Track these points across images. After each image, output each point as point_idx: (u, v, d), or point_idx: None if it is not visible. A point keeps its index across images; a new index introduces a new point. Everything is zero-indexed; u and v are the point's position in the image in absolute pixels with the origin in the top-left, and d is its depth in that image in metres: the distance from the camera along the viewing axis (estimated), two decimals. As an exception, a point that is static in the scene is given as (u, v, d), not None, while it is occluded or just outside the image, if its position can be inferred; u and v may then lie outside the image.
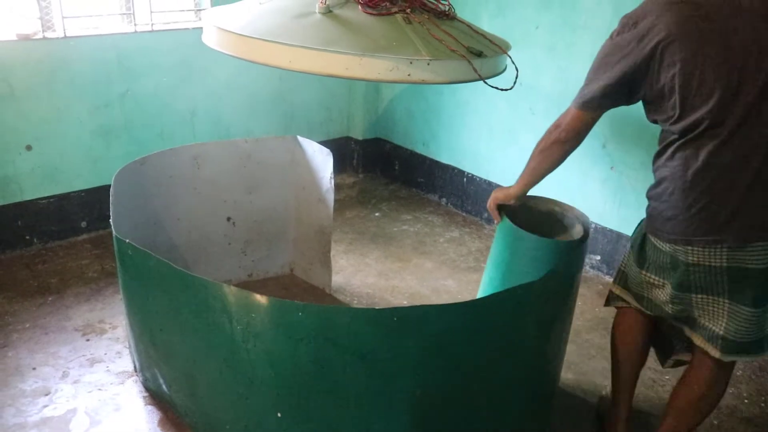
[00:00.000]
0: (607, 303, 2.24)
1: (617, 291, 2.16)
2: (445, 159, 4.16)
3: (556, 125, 1.98)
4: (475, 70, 2.09)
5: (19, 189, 3.31)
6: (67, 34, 3.25)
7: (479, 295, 2.51)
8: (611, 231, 3.30)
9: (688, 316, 1.94)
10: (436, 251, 3.60)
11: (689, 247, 1.79)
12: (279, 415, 1.92)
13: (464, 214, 4.08)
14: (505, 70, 2.37)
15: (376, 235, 3.76)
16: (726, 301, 1.83)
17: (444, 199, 4.22)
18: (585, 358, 2.75)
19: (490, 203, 2.31)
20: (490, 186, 3.87)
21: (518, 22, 3.50)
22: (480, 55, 2.13)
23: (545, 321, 2.07)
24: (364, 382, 1.85)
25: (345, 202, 4.16)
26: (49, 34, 3.22)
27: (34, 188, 3.36)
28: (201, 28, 2.33)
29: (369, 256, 3.51)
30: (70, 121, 3.36)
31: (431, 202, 4.24)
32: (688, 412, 2.04)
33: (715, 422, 2.42)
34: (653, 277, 1.97)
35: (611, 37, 1.81)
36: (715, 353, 1.89)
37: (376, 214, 4.04)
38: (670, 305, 1.94)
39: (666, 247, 1.86)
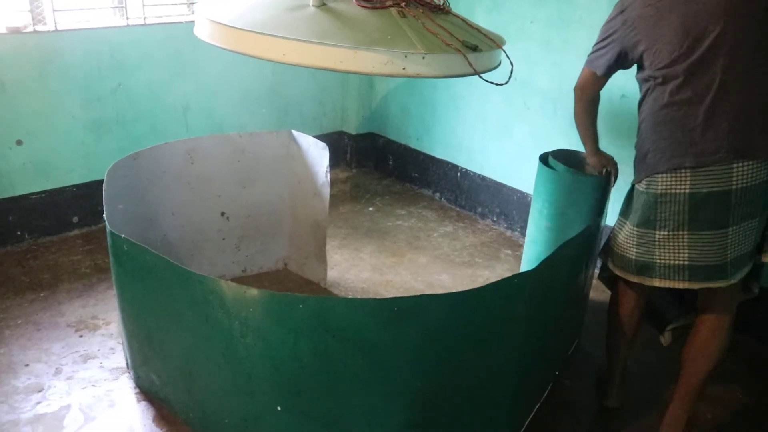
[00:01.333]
0: (601, 271, 2.40)
1: (603, 258, 2.32)
2: (439, 154, 4.15)
3: (576, 86, 2.31)
4: (470, 65, 2.08)
5: (10, 184, 3.28)
6: (59, 28, 3.22)
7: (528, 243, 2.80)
8: (607, 226, 3.29)
9: (648, 261, 2.10)
10: (430, 246, 3.60)
11: (658, 176, 2.02)
12: (279, 408, 1.92)
13: (458, 208, 4.07)
14: (500, 64, 2.36)
15: (370, 230, 3.75)
16: (685, 233, 2.02)
17: (438, 194, 4.21)
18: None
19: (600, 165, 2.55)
20: (484, 181, 3.87)
21: (513, 16, 3.49)
22: (475, 49, 2.12)
23: (544, 308, 2.08)
24: (364, 374, 1.85)
25: (338, 197, 4.15)
26: (40, 28, 3.19)
27: (25, 183, 3.33)
28: (193, 21, 2.32)
29: (363, 250, 3.50)
30: (61, 115, 3.33)
31: (425, 196, 4.24)
32: (697, 360, 2.19)
33: (709, 416, 2.44)
34: (627, 223, 2.16)
35: (609, 17, 2.14)
36: (682, 285, 2.06)
37: (370, 209, 4.03)
38: (634, 249, 2.12)
39: (641, 185, 2.09)
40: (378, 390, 1.88)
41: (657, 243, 2.07)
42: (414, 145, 4.30)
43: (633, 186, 2.18)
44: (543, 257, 2.06)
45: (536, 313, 2.06)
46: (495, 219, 3.87)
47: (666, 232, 2.04)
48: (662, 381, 2.56)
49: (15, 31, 3.12)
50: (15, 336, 2.68)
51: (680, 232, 2.02)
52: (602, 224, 2.56)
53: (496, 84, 2.29)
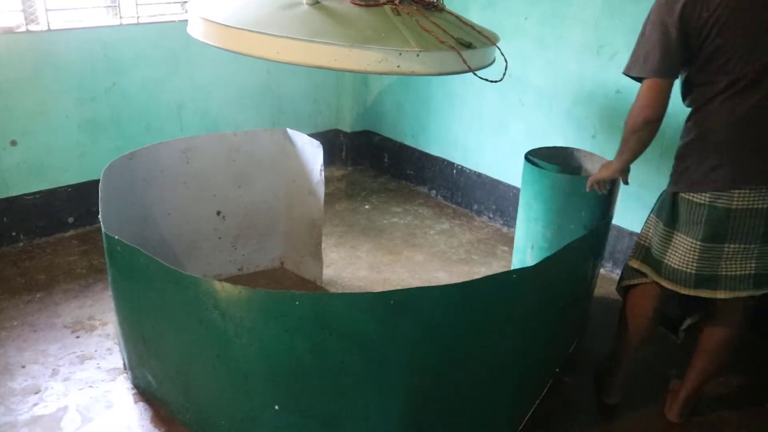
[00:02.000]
0: (621, 281, 2.31)
1: (636, 265, 2.22)
2: (434, 151, 4.15)
3: (638, 106, 2.00)
4: (465, 62, 2.08)
5: (4, 185, 3.27)
6: (51, 27, 3.21)
7: (519, 238, 2.85)
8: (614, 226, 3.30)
9: (711, 275, 2.03)
10: (427, 243, 3.60)
11: (735, 191, 1.91)
12: (276, 407, 1.91)
13: (454, 205, 4.07)
14: (494, 61, 2.36)
15: (367, 227, 3.75)
16: (756, 246, 1.97)
17: (434, 191, 4.21)
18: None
19: (595, 180, 2.39)
20: (480, 178, 3.87)
21: (507, 13, 3.49)
22: (469, 46, 2.12)
23: (544, 303, 2.08)
24: (361, 370, 1.85)
25: (334, 195, 4.15)
26: (32, 27, 3.18)
27: (19, 184, 3.32)
28: (187, 20, 2.31)
29: (359, 248, 3.50)
30: (55, 115, 3.32)
31: (421, 194, 4.24)
32: (718, 353, 2.22)
33: (707, 410, 2.44)
34: (682, 236, 2.04)
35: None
36: (747, 293, 2.03)
37: (366, 206, 4.03)
38: (695, 264, 2.02)
39: (704, 198, 1.96)
40: (375, 386, 1.88)
41: (725, 256, 2.01)
42: (409, 142, 4.30)
43: (677, 195, 2.04)
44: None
45: (536, 308, 2.06)
46: (491, 216, 3.87)
47: (737, 245, 1.98)
48: (660, 377, 2.57)
49: (8, 31, 3.11)
50: (11, 337, 2.67)
51: (752, 245, 1.97)
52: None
53: (491, 81, 2.29)
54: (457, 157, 4.02)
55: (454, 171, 4.04)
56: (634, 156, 2.13)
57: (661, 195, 2.15)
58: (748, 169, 1.92)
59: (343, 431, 1.95)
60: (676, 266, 2.08)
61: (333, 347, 1.81)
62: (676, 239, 2.07)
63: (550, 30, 3.32)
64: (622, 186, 2.61)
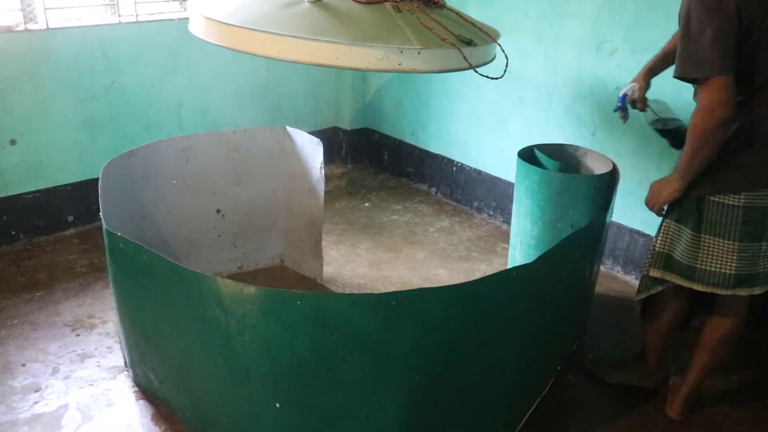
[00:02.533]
0: (640, 292, 2.26)
1: (657, 274, 2.16)
2: (434, 148, 4.15)
3: (707, 108, 1.84)
4: (466, 59, 2.08)
5: (3, 184, 3.27)
6: (50, 26, 3.20)
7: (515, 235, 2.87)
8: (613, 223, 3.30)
9: (749, 274, 2.03)
10: (427, 241, 3.60)
11: None
12: (278, 405, 1.91)
13: (454, 203, 4.08)
14: (494, 58, 2.36)
15: (366, 225, 3.75)
16: None
17: (434, 189, 4.21)
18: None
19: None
20: (480, 175, 3.88)
21: (506, 9, 3.48)
22: (470, 43, 2.12)
23: (544, 301, 2.08)
24: (362, 369, 1.85)
25: (334, 193, 4.15)
26: (31, 26, 3.17)
27: (19, 183, 3.31)
28: (186, 18, 2.31)
29: (359, 246, 3.50)
30: (54, 114, 3.31)
31: (421, 191, 4.24)
32: (721, 348, 2.24)
33: (708, 407, 2.44)
34: (715, 239, 2.01)
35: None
36: (714, 289, 2.06)
37: (366, 204, 4.03)
38: (734, 264, 2.00)
39: (738, 200, 1.94)
40: (376, 385, 1.88)
41: (763, 254, 2.01)
42: (409, 140, 4.30)
43: (703, 199, 2.00)
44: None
45: (536, 306, 2.06)
46: (491, 213, 3.88)
47: None
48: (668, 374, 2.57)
49: (6, 30, 3.10)
50: (11, 336, 2.67)
51: None
52: (608, 221, 2.57)
53: (492, 78, 2.29)
54: (457, 155, 4.02)
55: (454, 168, 4.04)
56: (706, 164, 1.95)
57: (676, 200, 2.08)
58: None
59: (343, 430, 1.95)
60: (713, 269, 2.05)
61: (334, 346, 1.81)
62: (707, 242, 2.04)
63: (549, 26, 3.32)
64: (621, 184, 2.62)
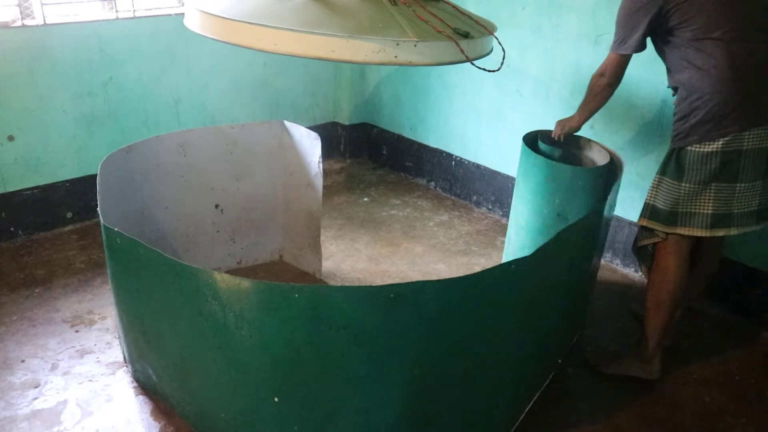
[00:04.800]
0: (636, 242, 2.46)
1: (645, 223, 2.36)
2: (432, 143, 4.14)
3: (600, 73, 2.39)
4: (462, 51, 2.07)
5: (2, 180, 3.26)
6: (47, 22, 3.19)
7: (512, 227, 3.00)
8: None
9: (725, 213, 2.23)
10: (426, 235, 3.60)
11: (745, 133, 2.12)
12: (276, 399, 1.91)
13: (453, 197, 4.07)
14: (491, 51, 2.35)
15: (365, 220, 3.75)
16: (759, 182, 2.20)
17: (432, 183, 4.21)
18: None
19: (562, 131, 2.68)
20: (479, 169, 3.87)
21: (503, 2, 3.47)
22: (467, 36, 2.11)
23: (544, 294, 2.08)
24: (361, 363, 1.85)
25: (333, 188, 4.14)
26: (28, 22, 3.16)
27: (17, 179, 3.31)
28: (183, 14, 2.30)
29: (358, 241, 3.50)
30: (52, 110, 3.31)
31: (420, 186, 4.23)
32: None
33: (707, 399, 2.45)
34: (692, 185, 2.22)
35: None
36: (752, 228, 2.27)
37: (365, 199, 4.02)
38: (711, 204, 2.21)
39: (716, 145, 2.15)
40: (375, 378, 1.88)
41: (737, 195, 2.21)
42: (407, 134, 4.29)
43: (681, 150, 2.22)
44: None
45: (535, 299, 2.06)
46: (490, 207, 3.87)
47: (746, 184, 2.19)
48: (666, 365, 2.57)
49: (3, 26, 3.09)
50: (10, 332, 2.67)
51: (757, 182, 2.20)
52: (607, 214, 2.57)
53: (489, 71, 2.28)
54: (456, 149, 4.01)
55: (453, 162, 4.03)
56: (595, 111, 2.55)
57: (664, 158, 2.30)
58: (760, 110, 2.12)
59: (342, 423, 1.95)
60: (692, 211, 2.24)
61: (332, 340, 1.81)
62: (685, 189, 2.23)
63: (546, 19, 3.31)
64: (622, 177, 2.62)
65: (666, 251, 2.36)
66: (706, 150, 2.16)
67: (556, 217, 2.71)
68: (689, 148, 2.20)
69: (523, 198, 2.85)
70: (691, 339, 2.75)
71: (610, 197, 2.45)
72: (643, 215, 2.37)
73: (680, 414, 2.37)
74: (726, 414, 2.39)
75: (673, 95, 2.29)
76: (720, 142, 2.14)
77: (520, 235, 2.91)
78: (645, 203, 2.36)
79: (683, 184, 2.23)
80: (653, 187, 2.32)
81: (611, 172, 2.66)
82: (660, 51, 2.31)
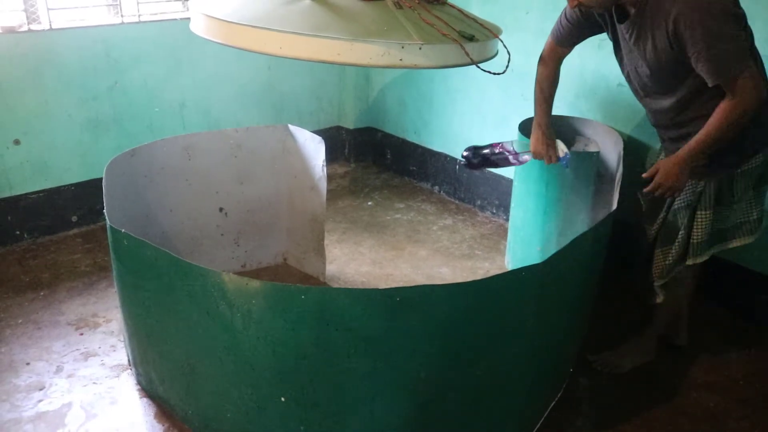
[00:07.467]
0: (663, 276, 2.42)
1: (700, 260, 2.32)
2: (437, 147, 4.15)
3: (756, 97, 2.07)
4: (467, 54, 2.08)
5: (8, 184, 3.28)
6: (53, 26, 3.21)
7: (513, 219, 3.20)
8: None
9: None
10: (430, 239, 3.60)
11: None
12: (283, 399, 1.92)
13: (457, 201, 4.07)
14: (496, 54, 2.36)
15: (369, 224, 3.75)
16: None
17: (437, 187, 4.21)
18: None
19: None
20: (482, 173, 3.87)
21: (508, 6, 3.48)
22: (472, 39, 2.12)
23: (552, 301, 2.06)
24: (368, 365, 1.84)
25: (337, 192, 4.15)
26: (34, 27, 3.18)
27: (23, 183, 3.33)
28: (189, 18, 2.31)
29: (362, 244, 3.50)
30: (58, 114, 3.32)
31: (424, 190, 4.24)
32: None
33: (711, 404, 2.44)
34: (739, 203, 2.29)
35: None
36: (750, 239, 2.34)
37: (369, 203, 4.03)
38: (755, 209, 2.30)
39: (757, 159, 2.20)
40: (381, 380, 1.88)
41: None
42: (412, 138, 4.30)
43: (724, 181, 2.22)
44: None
45: (546, 307, 2.01)
46: (494, 211, 3.87)
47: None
48: (665, 375, 2.57)
49: (9, 31, 3.11)
50: (16, 335, 2.67)
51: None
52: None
53: (494, 74, 2.29)
54: (460, 153, 4.00)
55: (457, 167, 4.03)
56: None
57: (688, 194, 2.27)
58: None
59: (348, 425, 1.95)
60: (741, 220, 2.32)
61: (338, 342, 1.81)
62: (734, 207, 2.28)
63: (551, 23, 3.29)
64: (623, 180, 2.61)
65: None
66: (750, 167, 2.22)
67: (544, 207, 2.96)
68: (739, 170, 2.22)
69: (517, 181, 3.08)
70: (695, 344, 2.74)
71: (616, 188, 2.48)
72: (695, 254, 2.31)
73: (684, 418, 2.36)
74: (730, 419, 2.37)
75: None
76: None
77: (514, 224, 3.20)
78: (694, 243, 2.29)
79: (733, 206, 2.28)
80: (701, 223, 2.28)
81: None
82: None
